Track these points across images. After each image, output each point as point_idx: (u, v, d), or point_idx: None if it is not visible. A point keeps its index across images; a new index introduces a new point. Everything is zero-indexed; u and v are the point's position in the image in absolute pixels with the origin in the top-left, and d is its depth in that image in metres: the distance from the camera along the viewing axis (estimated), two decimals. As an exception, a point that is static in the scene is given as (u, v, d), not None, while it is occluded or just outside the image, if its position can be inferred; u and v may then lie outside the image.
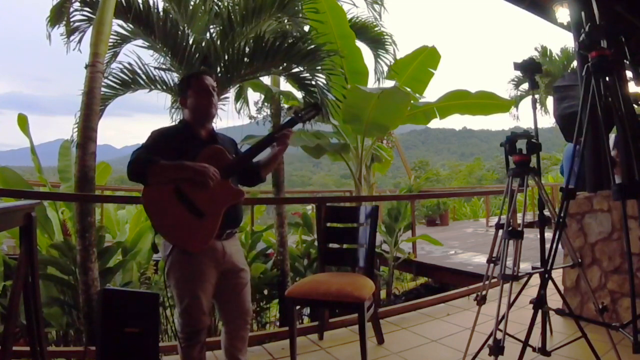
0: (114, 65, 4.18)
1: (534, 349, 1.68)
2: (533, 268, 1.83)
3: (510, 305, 1.74)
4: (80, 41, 4.08)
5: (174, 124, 1.81)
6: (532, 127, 1.96)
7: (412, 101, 6.30)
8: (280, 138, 1.73)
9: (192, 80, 1.70)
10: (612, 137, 2.62)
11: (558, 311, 1.86)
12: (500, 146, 1.98)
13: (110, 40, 3.74)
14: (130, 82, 3.98)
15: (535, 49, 12.27)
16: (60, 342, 3.25)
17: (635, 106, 1.86)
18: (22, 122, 4.93)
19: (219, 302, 1.70)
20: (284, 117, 5.66)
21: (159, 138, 1.60)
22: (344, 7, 5.78)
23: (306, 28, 4.39)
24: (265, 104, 5.86)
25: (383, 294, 5.22)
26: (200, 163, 1.53)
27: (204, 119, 1.68)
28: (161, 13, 3.83)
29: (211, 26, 4.14)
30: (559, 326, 2.39)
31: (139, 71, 3.92)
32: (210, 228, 1.55)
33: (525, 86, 11.67)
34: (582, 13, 1.74)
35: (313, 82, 4.11)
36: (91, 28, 3.50)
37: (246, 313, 1.72)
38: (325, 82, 4.14)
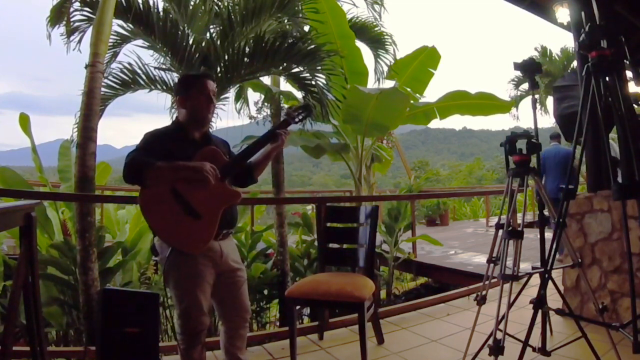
0: (114, 65, 4.19)
1: (534, 349, 1.68)
2: (533, 268, 1.83)
3: (510, 305, 1.74)
4: (80, 41, 4.08)
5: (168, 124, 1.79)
6: (532, 127, 1.96)
7: (412, 101, 6.31)
8: (275, 137, 1.74)
9: (194, 82, 1.68)
10: None
11: (558, 311, 1.86)
12: (500, 146, 1.98)
13: (110, 40, 3.74)
14: (130, 82, 3.98)
15: (535, 49, 12.28)
16: (60, 342, 3.25)
17: (635, 106, 1.87)
18: (24, 121, 4.93)
19: (218, 302, 1.70)
20: (283, 117, 5.64)
21: (152, 139, 1.59)
22: (344, 7, 5.79)
23: (306, 28, 4.39)
24: (265, 104, 5.85)
25: (383, 294, 5.22)
26: (195, 162, 1.52)
27: (200, 123, 1.68)
28: (161, 13, 3.83)
29: (211, 26, 4.14)
30: (559, 326, 2.39)
31: (139, 71, 3.92)
32: (209, 230, 1.55)
33: (525, 86, 11.67)
34: (582, 13, 1.75)
35: (313, 82, 4.11)
36: (91, 28, 3.50)
37: (245, 311, 1.72)
38: (325, 82, 4.14)
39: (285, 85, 5.51)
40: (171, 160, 1.50)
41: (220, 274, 1.65)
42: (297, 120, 1.83)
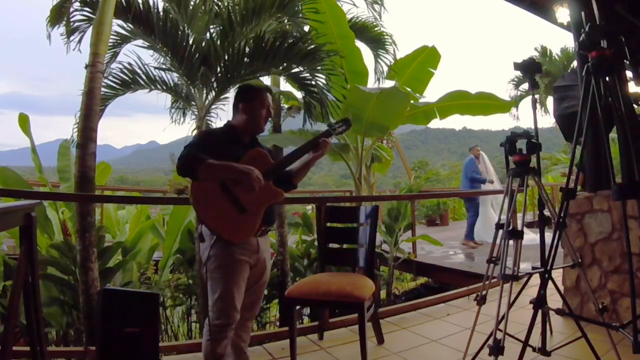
0: (114, 65, 4.16)
1: (534, 349, 1.68)
2: (533, 268, 1.83)
3: (510, 305, 1.74)
4: (80, 41, 4.07)
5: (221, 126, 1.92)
6: (532, 127, 1.96)
7: (412, 101, 6.30)
8: (317, 146, 1.87)
9: (262, 95, 1.84)
10: None
11: (558, 311, 1.86)
12: (500, 146, 1.98)
13: (110, 40, 3.73)
14: (130, 82, 3.97)
15: (535, 49, 12.26)
16: (60, 342, 3.25)
17: (635, 106, 1.87)
18: (23, 122, 4.92)
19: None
20: (284, 117, 5.66)
21: (206, 137, 1.74)
22: (344, 7, 5.76)
23: (306, 28, 4.39)
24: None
25: (383, 294, 5.21)
26: (245, 165, 1.61)
27: (255, 130, 1.84)
28: (161, 13, 3.82)
29: (211, 26, 4.13)
30: (559, 326, 2.39)
31: (139, 71, 3.91)
32: (252, 224, 1.65)
33: (525, 86, 11.66)
34: (582, 13, 1.74)
35: (313, 82, 4.11)
36: (91, 28, 3.49)
37: (258, 307, 1.86)
38: (325, 82, 4.14)
39: (285, 85, 5.50)
40: (220, 158, 1.59)
41: (252, 267, 1.72)
42: (337, 132, 1.97)
